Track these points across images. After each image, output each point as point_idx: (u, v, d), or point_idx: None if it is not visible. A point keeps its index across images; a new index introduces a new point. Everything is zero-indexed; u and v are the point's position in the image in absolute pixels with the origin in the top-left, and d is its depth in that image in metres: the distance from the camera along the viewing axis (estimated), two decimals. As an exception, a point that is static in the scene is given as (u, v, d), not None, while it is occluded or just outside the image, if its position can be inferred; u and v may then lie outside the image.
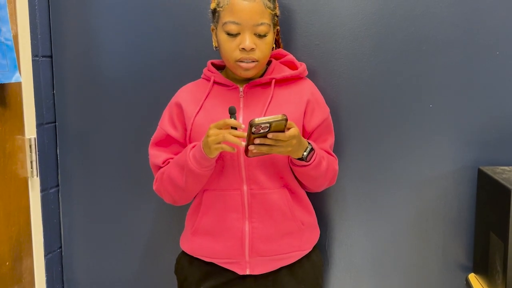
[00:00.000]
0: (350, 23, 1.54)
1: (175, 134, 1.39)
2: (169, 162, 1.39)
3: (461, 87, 1.50)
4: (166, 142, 1.41)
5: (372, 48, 1.53)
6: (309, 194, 1.47)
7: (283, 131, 1.19)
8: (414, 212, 1.58)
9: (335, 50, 1.55)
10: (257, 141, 1.18)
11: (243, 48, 1.28)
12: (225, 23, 1.29)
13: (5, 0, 1.42)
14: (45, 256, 1.71)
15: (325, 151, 1.41)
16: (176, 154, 1.39)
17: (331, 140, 1.44)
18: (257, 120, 1.14)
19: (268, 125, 1.15)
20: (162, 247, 1.74)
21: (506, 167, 1.46)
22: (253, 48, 1.29)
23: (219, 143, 1.20)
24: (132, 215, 1.75)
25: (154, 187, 1.42)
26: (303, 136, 1.38)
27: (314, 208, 1.47)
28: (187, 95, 1.41)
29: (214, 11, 1.33)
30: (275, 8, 1.34)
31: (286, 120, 1.16)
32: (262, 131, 1.16)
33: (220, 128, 1.21)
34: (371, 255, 1.62)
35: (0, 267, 1.49)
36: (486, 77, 1.49)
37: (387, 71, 1.53)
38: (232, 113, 1.24)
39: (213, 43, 1.38)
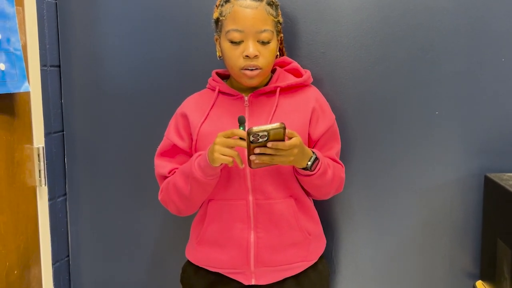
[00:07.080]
0: (355, 32, 1.55)
1: (181, 144, 1.39)
2: (175, 172, 1.38)
3: (466, 94, 1.51)
4: (172, 152, 1.41)
5: (377, 56, 1.54)
6: (315, 202, 1.47)
7: (283, 140, 1.18)
8: (421, 219, 1.57)
9: (341, 58, 1.56)
10: (257, 150, 1.17)
11: (247, 56, 1.28)
12: (228, 31, 1.29)
13: (14, 10, 1.44)
14: (52, 264, 1.72)
15: (331, 158, 1.40)
16: (181, 164, 1.38)
17: (337, 148, 1.43)
18: (254, 128, 1.13)
19: (266, 133, 1.14)
20: (169, 255, 1.74)
21: (512, 174, 1.46)
22: (256, 55, 1.29)
23: (223, 154, 1.19)
24: (139, 223, 1.75)
25: (159, 197, 1.42)
26: (309, 144, 1.38)
27: (320, 216, 1.46)
28: (193, 105, 1.41)
29: (217, 21, 1.34)
30: (277, 15, 1.34)
31: (285, 128, 1.15)
32: (260, 140, 1.15)
33: (228, 137, 1.21)
34: (377, 262, 1.62)
35: (8, 276, 1.49)
36: (491, 84, 1.49)
37: (392, 79, 1.54)
38: (241, 122, 1.24)
39: (217, 53, 1.38)
